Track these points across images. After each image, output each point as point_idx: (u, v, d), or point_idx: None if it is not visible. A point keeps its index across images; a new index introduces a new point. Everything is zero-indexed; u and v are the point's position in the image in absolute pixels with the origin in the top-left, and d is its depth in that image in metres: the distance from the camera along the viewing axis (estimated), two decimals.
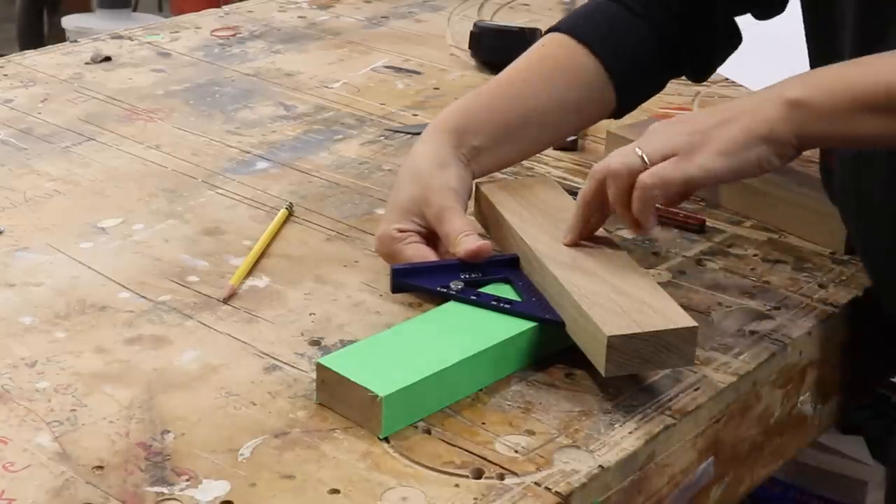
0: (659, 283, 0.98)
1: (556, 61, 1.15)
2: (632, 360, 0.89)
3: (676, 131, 0.95)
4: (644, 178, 0.95)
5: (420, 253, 1.05)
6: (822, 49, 1.08)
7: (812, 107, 0.92)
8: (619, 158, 0.96)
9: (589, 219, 1.00)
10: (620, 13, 1.16)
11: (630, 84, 1.16)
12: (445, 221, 1.04)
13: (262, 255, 1.11)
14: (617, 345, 0.88)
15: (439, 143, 1.10)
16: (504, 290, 1.00)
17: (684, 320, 0.91)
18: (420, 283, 1.03)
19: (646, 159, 0.95)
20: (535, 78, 1.14)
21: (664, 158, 0.94)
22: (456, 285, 1.00)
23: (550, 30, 1.18)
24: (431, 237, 1.06)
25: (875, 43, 0.96)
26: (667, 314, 0.91)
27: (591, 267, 0.98)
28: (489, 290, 1.00)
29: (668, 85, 1.28)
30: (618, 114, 1.19)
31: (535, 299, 0.99)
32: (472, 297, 0.99)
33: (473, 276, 1.02)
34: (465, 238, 1.02)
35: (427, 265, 1.04)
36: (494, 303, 0.97)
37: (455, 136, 1.10)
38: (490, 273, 1.02)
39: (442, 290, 1.00)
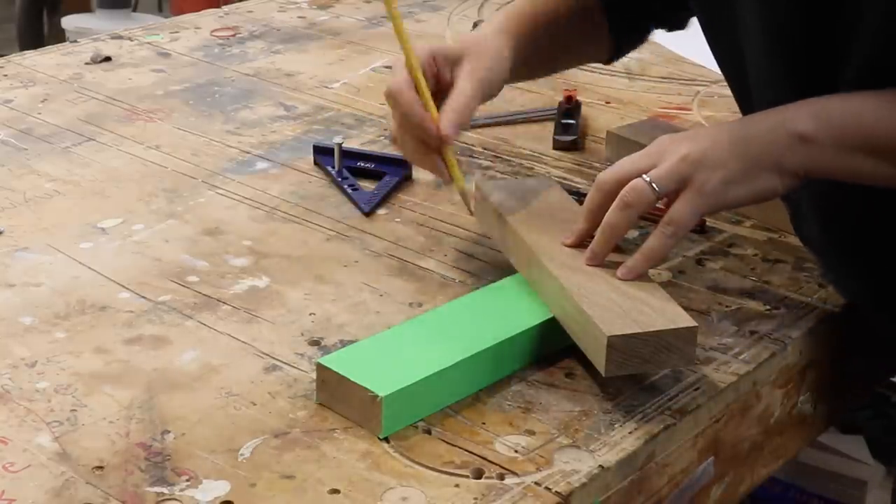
0: (659, 283, 0.98)
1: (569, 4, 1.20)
2: (632, 360, 0.89)
3: (684, 156, 0.95)
4: (663, 230, 0.96)
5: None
6: (735, 84, 1.11)
7: (820, 143, 0.94)
8: (629, 191, 0.96)
9: (595, 227, 1.01)
10: None
11: (624, 31, 1.22)
12: (461, 79, 1.06)
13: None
14: (617, 345, 0.88)
15: (503, 41, 1.11)
16: (502, 290, 1.00)
17: (684, 320, 0.91)
18: (323, 160, 1.28)
19: (656, 188, 0.95)
20: (558, 7, 1.19)
21: (674, 189, 0.95)
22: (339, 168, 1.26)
23: None
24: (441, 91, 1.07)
25: (781, 82, 1.00)
26: (667, 314, 0.91)
27: (591, 267, 0.97)
28: (495, 287, 1.00)
29: (669, 85, 1.28)
30: (608, 61, 1.26)
31: (375, 192, 1.20)
32: (338, 179, 1.24)
33: (366, 165, 1.25)
34: (451, 114, 1.03)
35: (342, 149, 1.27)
36: (346, 187, 1.23)
37: (513, 40, 1.12)
38: (380, 164, 1.25)
39: (328, 167, 1.27)
